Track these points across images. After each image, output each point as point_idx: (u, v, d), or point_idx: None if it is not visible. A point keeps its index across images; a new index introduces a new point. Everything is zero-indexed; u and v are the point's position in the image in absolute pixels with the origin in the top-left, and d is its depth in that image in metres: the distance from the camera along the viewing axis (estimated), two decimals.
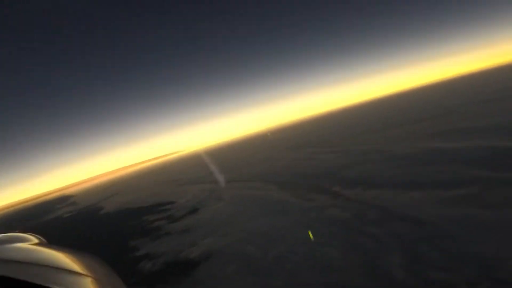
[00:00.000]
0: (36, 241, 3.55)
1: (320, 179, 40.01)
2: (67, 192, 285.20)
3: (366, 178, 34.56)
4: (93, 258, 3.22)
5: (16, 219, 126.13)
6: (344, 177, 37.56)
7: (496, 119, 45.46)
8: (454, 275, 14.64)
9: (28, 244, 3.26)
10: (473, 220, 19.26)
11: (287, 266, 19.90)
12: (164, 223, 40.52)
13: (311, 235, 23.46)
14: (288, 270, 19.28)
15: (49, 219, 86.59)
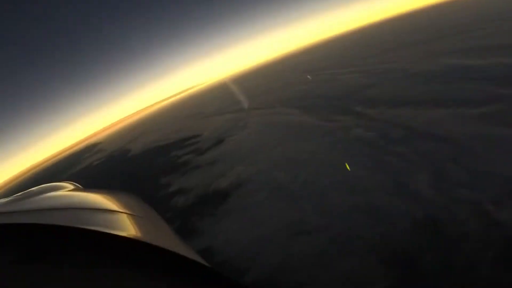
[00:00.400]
0: (72, 187, 3.66)
1: (342, 100, 39.78)
2: (93, 140, 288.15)
3: (389, 97, 34.15)
4: (130, 196, 3.38)
5: (47, 175, 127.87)
6: (366, 97, 37.19)
7: None
8: (479, 193, 14.68)
9: (64, 191, 3.32)
10: (498, 138, 19.00)
11: (316, 189, 20.29)
12: (191, 157, 41.21)
13: (346, 164, 23.65)
14: (317, 193, 19.67)
15: (79, 169, 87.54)
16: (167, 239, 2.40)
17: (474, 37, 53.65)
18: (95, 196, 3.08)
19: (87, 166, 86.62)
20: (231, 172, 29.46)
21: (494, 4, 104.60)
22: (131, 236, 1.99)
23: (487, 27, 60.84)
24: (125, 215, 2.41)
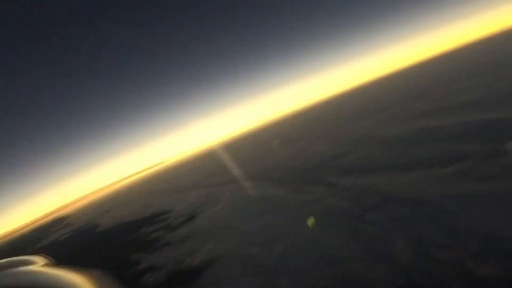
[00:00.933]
0: (44, 262, 3.73)
1: (315, 171, 39.85)
2: (61, 213, 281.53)
3: (360, 165, 34.45)
4: (102, 274, 3.45)
5: (12, 248, 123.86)
6: (338, 166, 37.39)
7: (480, 93, 45.87)
8: (460, 251, 14.51)
9: (36, 267, 3.31)
10: (472, 195, 19.13)
11: (292, 262, 19.59)
12: (163, 233, 39.99)
13: (311, 222, 23.25)
14: (293, 267, 18.97)
15: (47, 243, 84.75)
16: None
17: (435, 99, 56.06)
18: (65, 275, 2.98)
19: (55, 240, 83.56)
20: (203, 248, 28.42)
21: (451, 66, 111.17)
22: None
23: (445, 88, 64.49)
24: None
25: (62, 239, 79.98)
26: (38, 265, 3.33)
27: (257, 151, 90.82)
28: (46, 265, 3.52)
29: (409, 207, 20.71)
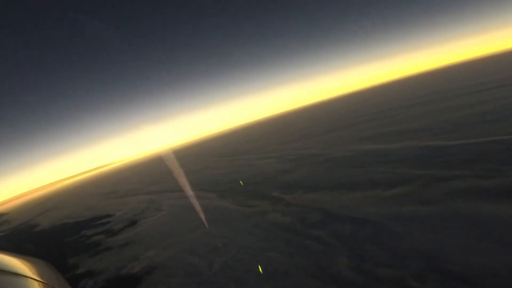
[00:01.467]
0: None
1: (259, 185, 40.10)
2: None
3: (305, 182, 35.01)
4: (45, 263, 3.38)
5: None
6: (282, 182, 37.87)
7: (425, 121, 47.91)
8: (401, 270, 15.05)
9: None
10: (414, 217, 19.96)
11: (233, 275, 19.62)
12: (103, 237, 38.93)
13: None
14: (235, 279, 19.03)
15: None
16: None
17: (385, 123, 57.87)
18: (11, 260, 2.96)
19: None
20: (145, 254, 27.93)
21: (405, 91, 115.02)
22: None
23: (396, 113, 66.75)
24: (37, 283, 2.31)
25: None
26: None
27: (204, 161, 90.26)
28: None
29: (352, 225, 21.26)
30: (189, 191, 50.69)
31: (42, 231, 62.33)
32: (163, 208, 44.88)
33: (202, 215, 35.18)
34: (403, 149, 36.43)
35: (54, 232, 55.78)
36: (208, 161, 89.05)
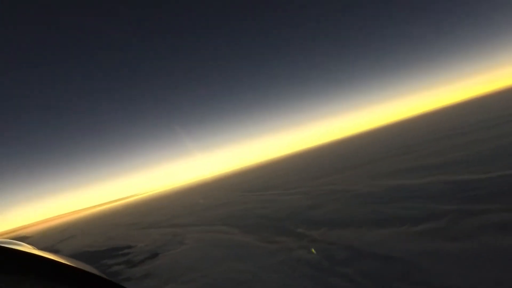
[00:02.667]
0: (29, 247, 3.55)
1: (284, 221, 39.10)
2: (23, 232, 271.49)
3: (331, 218, 34.05)
4: (86, 265, 3.29)
5: None
6: (308, 218, 36.88)
7: (452, 155, 46.64)
8: None
9: (27, 248, 3.25)
10: (444, 253, 19.00)
11: None
12: (123, 267, 38.17)
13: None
14: None
15: None
16: None
17: (412, 158, 56.61)
18: (59, 257, 2.96)
19: None
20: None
21: (438, 123, 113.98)
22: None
23: (423, 148, 65.22)
24: (87, 273, 2.35)
25: None
26: (23, 247, 3.29)
27: (229, 196, 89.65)
28: (34, 249, 3.45)
29: (380, 263, 20.34)
30: (211, 226, 49.87)
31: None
32: (186, 242, 43.85)
33: (225, 250, 34.20)
34: (430, 184, 35.16)
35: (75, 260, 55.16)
36: (233, 195, 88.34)
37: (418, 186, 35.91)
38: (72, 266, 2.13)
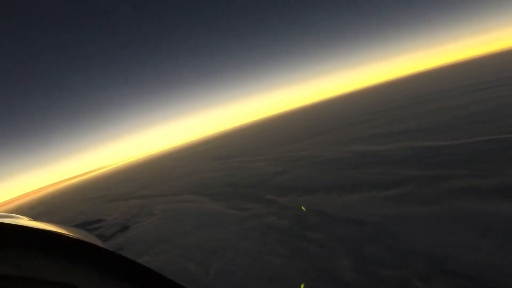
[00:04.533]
0: (26, 219, 3.37)
1: (253, 188, 39.07)
2: None
3: (299, 184, 34.11)
4: (81, 230, 3.25)
5: None
6: (277, 185, 36.89)
7: (420, 121, 47.67)
8: (405, 271, 14.33)
9: (23, 221, 3.08)
10: (412, 217, 19.26)
11: (231, 279, 18.49)
12: None
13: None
14: (233, 284, 17.87)
15: None
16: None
17: (379, 124, 57.83)
18: (47, 225, 2.77)
19: None
20: (137, 261, 26.64)
21: (401, 91, 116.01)
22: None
23: (392, 114, 66.71)
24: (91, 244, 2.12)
25: None
26: (20, 219, 3.18)
27: (197, 164, 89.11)
28: (28, 220, 3.19)
29: (351, 227, 20.46)
30: (180, 195, 49.49)
31: None
32: (156, 212, 43.30)
33: (196, 219, 33.98)
34: (398, 150, 35.65)
35: None
36: (201, 164, 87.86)
37: (385, 152, 36.34)
38: (76, 238, 2.02)
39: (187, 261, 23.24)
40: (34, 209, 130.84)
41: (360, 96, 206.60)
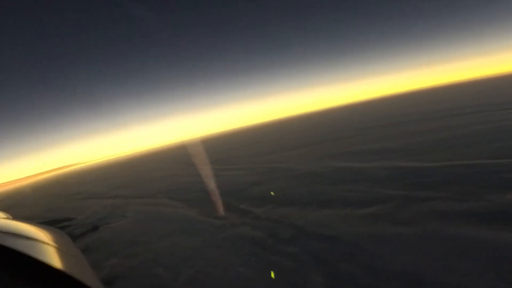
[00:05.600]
0: (3, 216, 4.10)
1: (228, 196, 38.53)
2: None
3: (276, 196, 33.77)
4: (56, 231, 3.62)
5: None
6: (252, 195, 36.50)
7: (402, 141, 48.51)
8: None
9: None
10: (388, 237, 19.16)
11: None
12: None
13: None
14: None
15: None
16: (82, 270, 2.51)
17: (362, 140, 58.44)
18: (26, 226, 3.28)
19: None
20: (105, 263, 25.79)
21: (390, 109, 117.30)
22: (47, 262, 2.05)
23: (376, 131, 67.45)
24: (53, 248, 2.59)
25: None
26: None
27: (173, 168, 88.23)
28: (7, 218, 3.93)
29: (325, 243, 20.20)
30: (154, 199, 48.71)
31: None
32: (127, 214, 42.38)
33: (168, 224, 33.35)
34: (379, 168, 35.88)
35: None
36: (179, 168, 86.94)
37: (366, 170, 36.44)
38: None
39: (156, 266, 22.61)
40: (3, 202, 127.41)
41: (354, 109, 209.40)
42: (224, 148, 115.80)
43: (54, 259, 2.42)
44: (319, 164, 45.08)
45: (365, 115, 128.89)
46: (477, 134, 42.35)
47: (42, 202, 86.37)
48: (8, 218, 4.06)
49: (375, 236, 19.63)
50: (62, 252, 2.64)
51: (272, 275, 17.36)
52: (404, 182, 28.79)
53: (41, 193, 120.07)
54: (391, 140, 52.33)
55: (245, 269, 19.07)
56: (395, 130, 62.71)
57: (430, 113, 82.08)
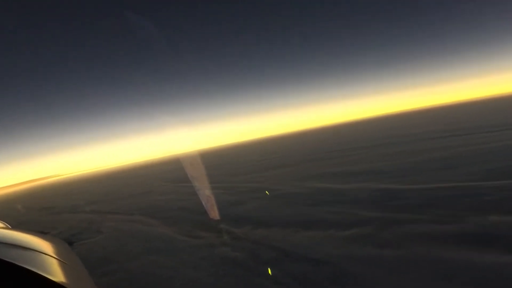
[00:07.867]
0: (1, 225, 3.98)
1: (206, 215, 37.76)
2: None
3: (255, 216, 33.23)
4: (55, 240, 3.53)
5: None
6: (231, 214, 35.80)
7: (383, 163, 48.99)
8: None
9: None
10: (371, 259, 18.83)
11: None
12: None
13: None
14: None
15: None
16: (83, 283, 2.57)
17: (343, 162, 58.36)
18: (25, 236, 3.22)
19: None
20: None
21: (375, 131, 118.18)
22: (48, 276, 2.03)
23: (357, 153, 67.91)
24: (52, 258, 2.56)
25: None
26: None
27: (150, 185, 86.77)
28: (5, 228, 3.73)
29: (308, 266, 19.69)
30: (131, 215, 47.53)
31: None
32: (104, 230, 41.07)
33: (145, 242, 32.33)
34: (359, 190, 35.86)
35: None
36: (155, 185, 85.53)
37: (346, 191, 36.34)
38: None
39: (131, 286, 21.77)
40: None
41: (341, 129, 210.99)
42: (207, 165, 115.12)
43: (56, 271, 2.43)
44: (299, 185, 44.87)
45: (349, 136, 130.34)
46: (460, 156, 42.97)
47: (13, 215, 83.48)
48: (6, 228, 3.99)
49: (358, 258, 19.25)
50: (65, 265, 2.65)
51: None
52: (384, 204, 28.75)
53: (12, 206, 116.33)
54: (374, 161, 52.73)
55: None
56: (379, 151, 63.27)
57: (414, 135, 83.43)
